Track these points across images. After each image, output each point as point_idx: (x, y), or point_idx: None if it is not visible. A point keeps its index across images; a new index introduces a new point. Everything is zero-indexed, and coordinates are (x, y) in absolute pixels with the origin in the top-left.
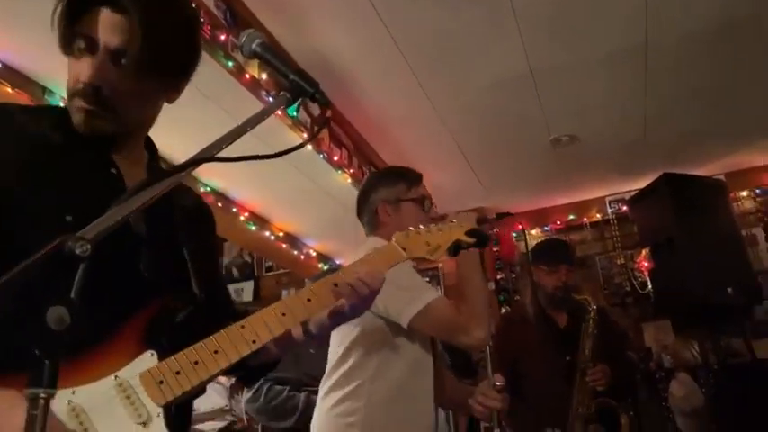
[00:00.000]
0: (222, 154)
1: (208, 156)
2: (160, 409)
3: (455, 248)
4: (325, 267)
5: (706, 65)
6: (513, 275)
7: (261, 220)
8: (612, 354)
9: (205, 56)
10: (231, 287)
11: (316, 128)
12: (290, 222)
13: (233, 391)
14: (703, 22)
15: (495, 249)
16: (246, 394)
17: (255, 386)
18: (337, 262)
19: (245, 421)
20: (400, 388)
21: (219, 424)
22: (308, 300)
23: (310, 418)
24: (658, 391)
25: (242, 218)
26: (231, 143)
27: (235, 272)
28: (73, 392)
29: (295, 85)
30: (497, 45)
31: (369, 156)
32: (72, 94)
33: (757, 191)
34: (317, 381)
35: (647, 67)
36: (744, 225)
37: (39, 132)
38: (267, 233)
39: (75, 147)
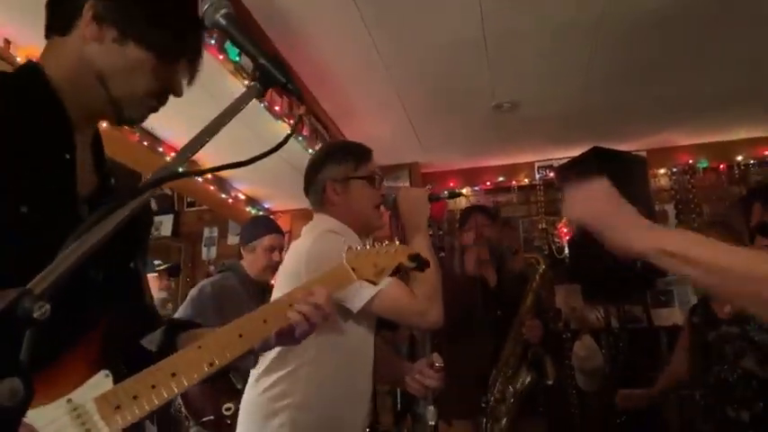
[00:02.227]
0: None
1: (175, 172)
2: None
3: (395, 271)
4: (254, 211)
5: (647, 47)
6: (441, 232)
7: (189, 162)
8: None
9: None
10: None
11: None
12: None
13: None
14: (656, 6)
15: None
16: None
17: None
18: (266, 206)
19: (180, 404)
20: (340, 368)
21: None
22: (264, 321)
23: (233, 369)
24: (564, 349)
25: (168, 158)
26: (204, 145)
27: (153, 204)
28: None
29: (265, 71)
30: (455, 6)
31: (310, 105)
32: (149, 94)
33: (674, 169)
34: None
35: (594, 43)
36: (658, 201)
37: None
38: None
39: (35, 121)
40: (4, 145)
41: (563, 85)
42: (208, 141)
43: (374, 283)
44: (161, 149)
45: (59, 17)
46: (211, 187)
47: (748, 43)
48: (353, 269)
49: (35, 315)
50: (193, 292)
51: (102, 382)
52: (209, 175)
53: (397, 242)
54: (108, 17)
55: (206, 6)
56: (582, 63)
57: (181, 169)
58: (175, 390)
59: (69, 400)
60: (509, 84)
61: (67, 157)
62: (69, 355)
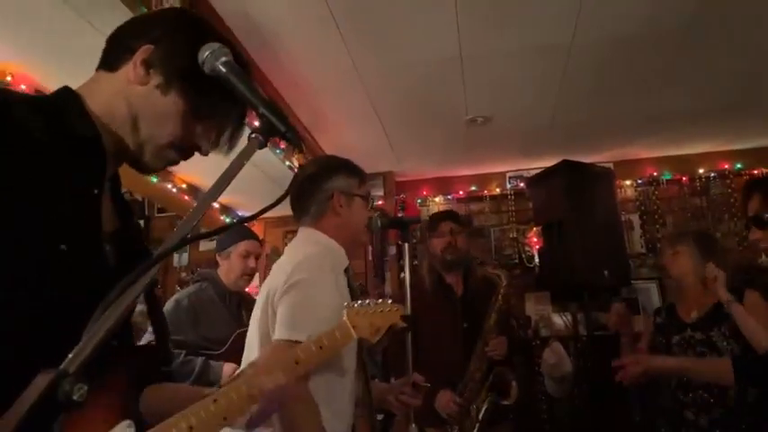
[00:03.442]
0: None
1: (196, 235)
2: None
3: (387, 330)
4: (228, 220)
5: (615, 67)
6: (415, 241)
7: (164, 172)
8: (511, 325)
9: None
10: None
11: None
12: (195, 175)
13: None
14: (625, 32)
15: (399, 215)
16: None
17: None
18: (240, 214)
19: None
20: (328, 395)
21: None
22: (294, 365)
23: (206, 382)
24: (533, 356)
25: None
26: (210, 204)
27: None
28: None
29: (265, 121)
30: (433, 25)
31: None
32: (172, 145)
33: (639, 180)
34: (215, 344)
35: (566, 63)
36: (624, 211)
37: (35, 130)
38: (169, 185)
39: (74, 149)
40: (44, 172)
41: (535, 100)
42: (218, 197)
43: (370, 342)
44: None
45: (112, 53)
46: (185, 196)
47: (709, 65)
48: (354, 326)
49: (75, 398)
50: (169, 305)
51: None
52: (183, 185)
53: (390, 301)
54: (157, 63)
55: (206, 53)
56: (553, 81)
57: (203, 229)
58: None
59: None
60: (483, 99)
61: (96, 192)
62: (96, 400)
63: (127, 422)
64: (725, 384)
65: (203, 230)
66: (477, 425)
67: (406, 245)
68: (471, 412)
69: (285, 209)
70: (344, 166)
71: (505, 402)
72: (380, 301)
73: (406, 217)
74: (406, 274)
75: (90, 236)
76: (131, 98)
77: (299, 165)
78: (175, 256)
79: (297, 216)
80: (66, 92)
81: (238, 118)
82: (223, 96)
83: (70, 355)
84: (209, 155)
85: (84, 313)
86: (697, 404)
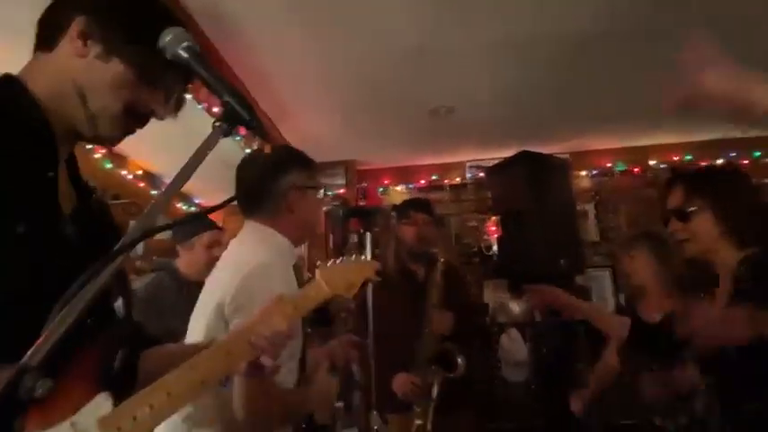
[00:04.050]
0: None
1: (163, 225)
2: None
3: (362, 285)
4: (185, 207)
5: (571, 61)
6: (377, 229)
7: (118, 158)
8: (462, 304)
9: None
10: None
11: None
12: (151, 162)
13: None
14: (582, 28)
15: (361, 203)
16: None
17: None
18: (197, 201)
19: None
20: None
21: None
22: (228, 353)
23: None
24: (491, 342)
25: (97, 155)
26: (174, 194)
27: None
28: None
29: (229, 109)
30: (396, 16)
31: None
32: (126, 113)
33: (594, 171)
34: (171, 336)
35: (524, 57)
36: (579, 201)
37: None
38: (124, 171)
39: (21, 136)
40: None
41: (495, 93)
42: (181, 187)
43: (345, 297)
44: (89, 146)
45: (46, 33)
46: (141, 183)
47: (661, 60)
48: (326, 282)
49: (37, 395)
50: None
51: (102, 404)
52: (139, 171)
53: (363, 256)
54: (93, 33)
55: (167, 38)
56: (513, 74)
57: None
58: (172, 410)
59: (73, 424)
60: (445, 91)
61: (51, 174)
62: (69, 374)
63: (104, 394)
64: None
65: (163, 220)
66: (433, 403)
67: (368, 234)
68: (426, 392)
69: None
70: (296, 159)
71: (451, 375)
72: (354, 257)
73: (368, 206)
74: None
75: (48, 219)
76: (74, 73)
77: (245, 158)
78: None
79: (246, 210)
80: (6, 78)
81: (183, 81)
82: (165, 60)
83: (32, 349)
84: (165, 140)
85: (48, 297)
86: (664, 410)
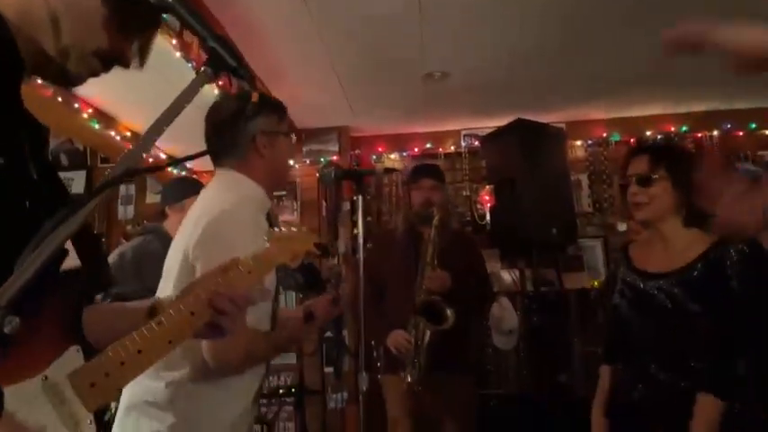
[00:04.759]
0: None
1: (132, 168)
2: (91, 416)
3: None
4: (175, 171)
5: (568, 29)
6: (369, 197)
7: (106, 118)
8: (465, 266)
9: None
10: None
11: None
12: (140, 123)
13: None
14: None
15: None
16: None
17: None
18: (187, 165)
19: None
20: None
21: None
22: (192, 314)
23: None
24: (484, 311)
25: (85, 115)
26: (157, 138)
27: (63, 159)
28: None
29: (215, 55)
30: None
31: None
32: (96, 53)
33: (589, 141)
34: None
35: (520, 23)
36: (573, 171)
37: None
38: (112, 132)
39: None
40: None
41: (491, 59)
42: (163, 132)
43: (290, 267)
44: (76, 105)
45: None
46: (129, 145)
47: (658, 30)
48: (277, 250)
49: (6, 331)
50: (112, 258)
51: (73, 357)
52: (128, 132)
53: (304, 228)
54: None
55: None
56: (509, 40)
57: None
58: (143, 367)
59: (46, 378)
60: (440, 55)
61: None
62: (37, 326)
63: (75, 347)
64: None
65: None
66: (420, 357)
67: (360, 197)
68: (416, 347)
69: None
70: (265, 104)
71: (440, 327)
72: (294, 228)
73: (361, 169)
74: (360, 229)
75: (19, 150)
76: None
77: (213, 104)
78: (120, 208)
79: (215, 158)
80: None
81: (153, 30)
82: (143, 6)
83: (2, 287)
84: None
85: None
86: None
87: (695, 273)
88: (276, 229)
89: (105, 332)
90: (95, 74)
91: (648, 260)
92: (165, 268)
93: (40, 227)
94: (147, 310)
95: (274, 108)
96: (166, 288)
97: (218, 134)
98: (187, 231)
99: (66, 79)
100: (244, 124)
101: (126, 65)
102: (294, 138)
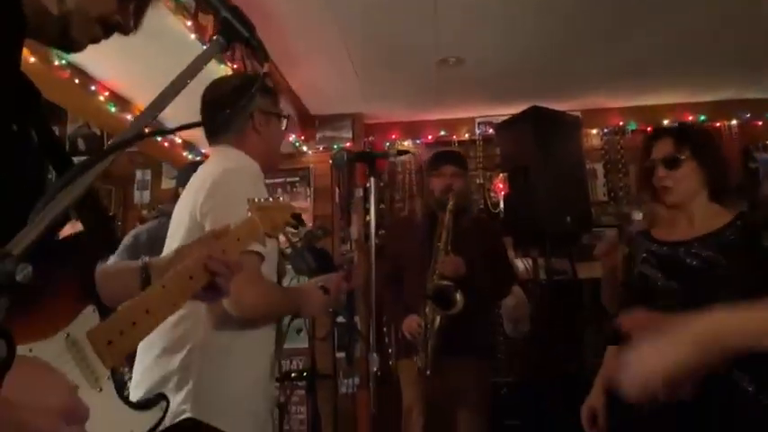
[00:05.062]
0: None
1: (141, 133)
2: (108, 372)
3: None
4: (191, 156)
5: (585, 17)
6: (382, 184)
7: (123, 102)
8: (484, 253)
9: None
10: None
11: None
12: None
13: None
14: None
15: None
16: None
17: None
18: (203, 151)
19: None
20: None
21: None
22: (190, 277)
23: None
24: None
25: (101, 98)
26: (169, 102)
27: (81, 143)
28: (30, 350)
29: (227, 25)
30: None
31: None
32: (99, 19)
33: (605, 130)
34: None
35: (538, 9)
36: (589, 160)
37: None
38: (129, 116)
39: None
40: None
41: (507, 45)
42: (173, 100)
43: (270, 236)
44: (93, 88)
45: None
46: (146, 129)
47: (677, 17)
48: (259, 220)
49: (18, 278)
50: (127, 239)
51: (91, 316)
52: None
53: (283, 198)
54: None
55: None
56: (526, 27)
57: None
58: (153, 326)
59: (68, 335)
60: (454, 40)
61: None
62: (54, 286)
63: (91, 307)
64: None
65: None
66: (430, 341)
67: (372, 179)
68: (429, 333)
69: None
70: (261, 85)
71: (448, 312)
72: (273, 198)
73: (374, 151)
74: (372, 214)
75: (27, 114)
76: None
77: (211, 83)
78: (137, 193)
79: (211, 135)
80: None
81: None
82: None
83: (15, 238)
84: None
85: (33, 193)
86: None
87: (728, 234)
88: (256, 199)
89: (106, 292)
90: (96, 40)
91: (673, 234)
92: (169, 231)
93: (42, 188)
94: (138, 270)
95: (269, 90)
96: (174, 243)
97: (219, 109)
98: (191, 195)
99: (67, 44)
100: (241, 102)
101: (126, 32)
102: (285, 123)
